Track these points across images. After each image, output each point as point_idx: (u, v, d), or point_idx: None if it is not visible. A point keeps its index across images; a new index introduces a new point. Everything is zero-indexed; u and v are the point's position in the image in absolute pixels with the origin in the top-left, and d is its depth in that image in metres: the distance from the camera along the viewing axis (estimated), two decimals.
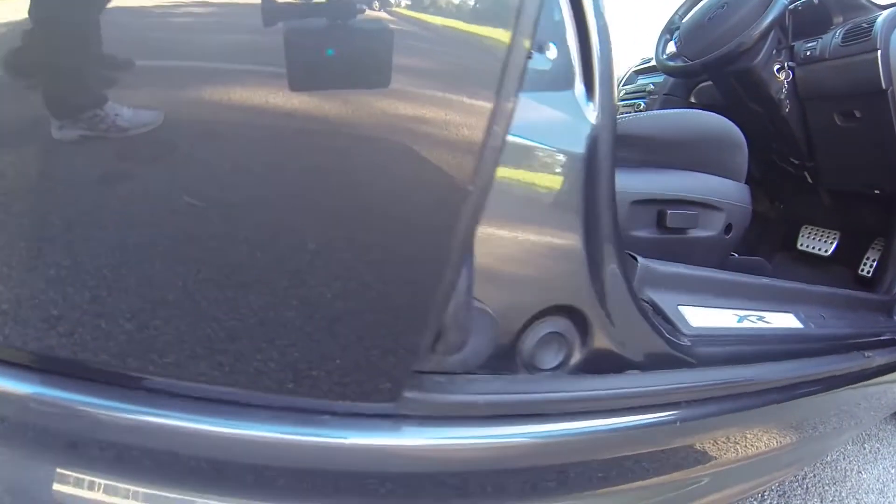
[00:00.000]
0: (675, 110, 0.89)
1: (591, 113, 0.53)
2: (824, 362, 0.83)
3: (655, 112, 1.46)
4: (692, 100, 1.81)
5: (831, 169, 1.51)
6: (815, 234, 1.71)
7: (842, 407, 0.95)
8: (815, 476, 1.31)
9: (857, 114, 1.31)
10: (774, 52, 1.35)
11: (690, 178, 0.92)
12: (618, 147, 0.54)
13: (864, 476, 1.34)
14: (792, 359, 0.79)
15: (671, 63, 1.45)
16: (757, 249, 1.92)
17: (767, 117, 1.49)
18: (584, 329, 0.58)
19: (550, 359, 0.58)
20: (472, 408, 0.52)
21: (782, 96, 1.35)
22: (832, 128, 1.38)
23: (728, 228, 0.98)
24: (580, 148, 0.52)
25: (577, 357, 0.59)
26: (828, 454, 1.40)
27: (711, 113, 1.01)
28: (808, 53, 1.34)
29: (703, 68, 1.35)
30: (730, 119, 1.02)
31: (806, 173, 1.63)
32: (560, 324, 0.56)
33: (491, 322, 0.52)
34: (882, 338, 1.07)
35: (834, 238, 1.65)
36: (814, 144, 1.48)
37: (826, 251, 1.65)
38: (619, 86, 2.26)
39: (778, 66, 1.37)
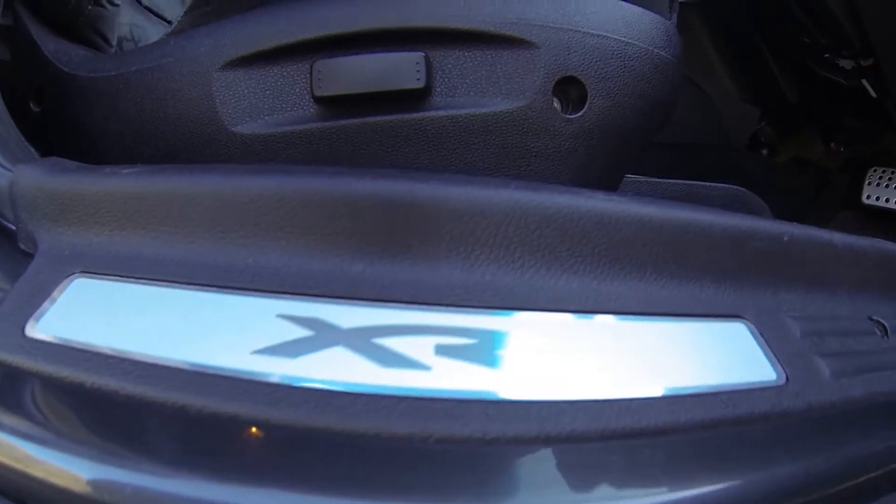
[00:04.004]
0: None
1: None
2: None
3: None
4: None
5: None
6: (891, 180, 1.11)
7: None
8: None
9: None
10: None
11: None
12: None
13: None
14: None
15: None
16: (810, 211, 1.33)
17: None
18: None
19: None
20: None
21: None
22: None
23: (571, 92, 0.41)
24: None
25: None
26: None
27: None
28: None
29: None
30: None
31: (864, 81, 1.04)
32: None
33: None
34: None
35: None
36: (866, 20, 0.91)
37: None
38: None
39: None
